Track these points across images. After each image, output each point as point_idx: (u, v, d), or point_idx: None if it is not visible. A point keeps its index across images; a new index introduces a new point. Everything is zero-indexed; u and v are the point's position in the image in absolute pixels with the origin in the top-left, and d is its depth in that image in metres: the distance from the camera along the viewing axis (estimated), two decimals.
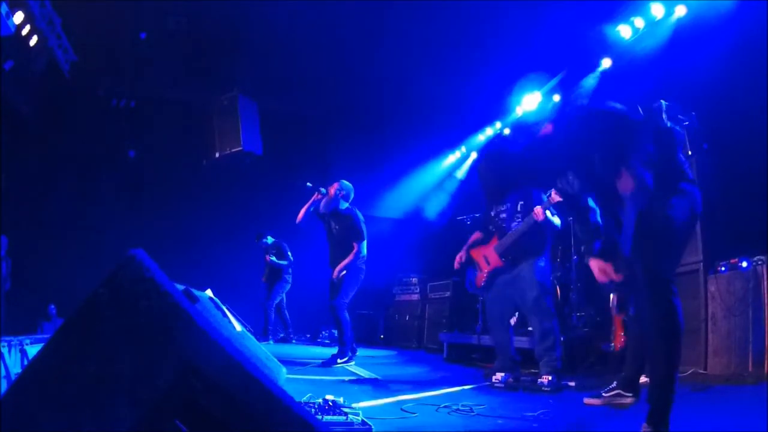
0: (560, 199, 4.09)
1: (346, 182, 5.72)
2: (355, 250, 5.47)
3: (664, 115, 4.53)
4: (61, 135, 9.06)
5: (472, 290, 4.87)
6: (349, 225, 5.54)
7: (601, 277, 2.66)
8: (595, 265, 2.68)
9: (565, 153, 2.61)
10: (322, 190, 5.65)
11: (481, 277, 4.55)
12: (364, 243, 5.56)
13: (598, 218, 2.74)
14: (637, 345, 3.26)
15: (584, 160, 2.53)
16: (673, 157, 2.51)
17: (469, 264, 4.72)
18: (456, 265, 4.80)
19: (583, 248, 2.79)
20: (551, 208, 4.29)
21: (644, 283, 2.34)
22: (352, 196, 5.72)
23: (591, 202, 2.77)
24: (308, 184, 5.72)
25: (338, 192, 5.60)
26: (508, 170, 3.23)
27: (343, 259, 5.46)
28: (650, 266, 2.31)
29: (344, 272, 5.44)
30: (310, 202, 5.72)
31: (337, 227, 5.63)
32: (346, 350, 5.36)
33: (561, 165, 2.74)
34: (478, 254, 4.62)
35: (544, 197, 4.28)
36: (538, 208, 4.20)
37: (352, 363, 5.37)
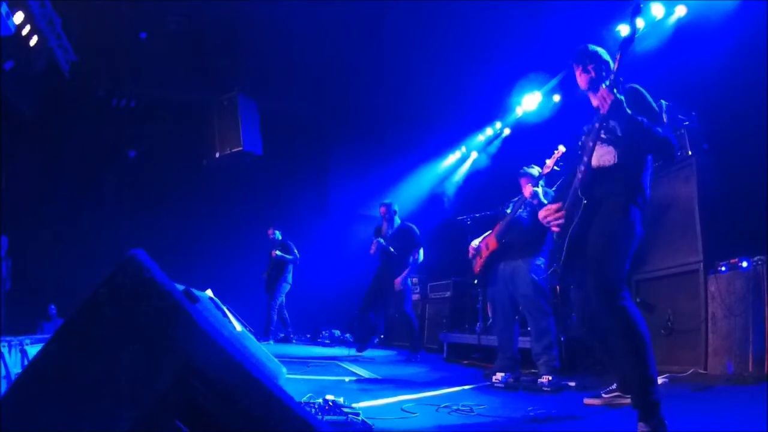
0: (556, 168, 4.16)
1: (389, 202, 6.59)
2: (415, 258, 6.26)
3: (664, 116, 4.55)
4: (61, 135, 9.06)
5: (472, 279, 4.99)
6: (408, 236, 6.31)
7: (543, 215, 2.77)
8: (542, 212, 2.80)
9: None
10: (383, 242, 6.33)
11: (479, 262, 4.62)
12: (422, 250, 6.34)
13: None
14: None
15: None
16: (647, 170, 2.59)
17: (477, 254, 4.78)
18: (470, 254, 4.94)
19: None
20: (546, 191, 4.30)
21: (594, 290, 2.40)
22: (398, 210, 6.57)
23: None
24: (380, 240, 6.37)
25: (392, 213, 6.44)
26: None
27: (398, 268, 6.17)
28: (597, 272, 2.37)
29: (403, 284, 6.15)
30: (380, 234, 6.47)
31: (396, 241, 6.32)
32: (421, 344, 6.45)
33: None
34: (483, 243, 4.74)
35: (536, 172, 4.34)
36: (527, 185, 4.23)
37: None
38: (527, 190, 4.26)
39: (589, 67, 2.78)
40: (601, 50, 2.84)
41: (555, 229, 2.72)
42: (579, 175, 2.65)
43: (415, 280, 8.79)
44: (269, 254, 8.66)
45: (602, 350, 2.95)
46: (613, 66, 2.52)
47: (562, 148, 4.10)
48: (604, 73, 2.75)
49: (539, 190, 4.26)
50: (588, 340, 3.12)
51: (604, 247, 2.42)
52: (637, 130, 2.40)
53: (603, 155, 2.61)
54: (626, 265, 2.44)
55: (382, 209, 6.47)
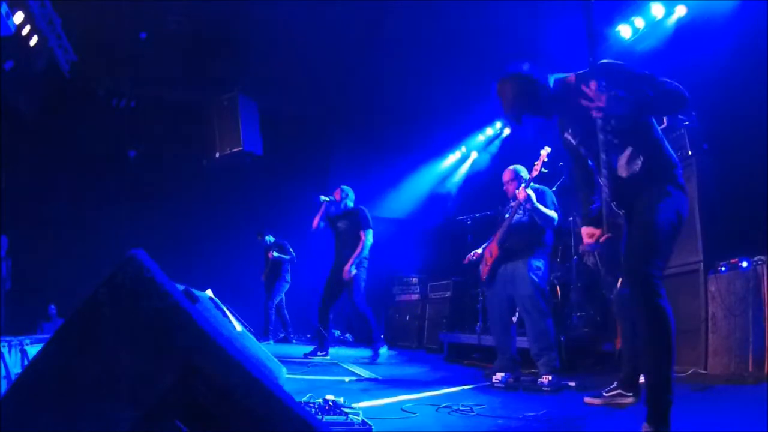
0: (543, 170, 4.18)
1: (347, 187, 6.19)
2: (362, 239, 5.79)
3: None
4: (61, 135, 9.06)
5: (480, 286, 5.06)
6: (356, 219, 5.92)
7: (588, 240, 2.69)
8: (584, 231, 2.72)
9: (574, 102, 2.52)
10: (329, 198, 6.07)
11: (485, 270, 4.66)
12: (371, 232, 5.88)
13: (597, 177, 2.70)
14: (629, 344, 3.27)
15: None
16: (666, 152, 2.49)
17: (481, 261, 4.81)
18: (466, 260, 4.96)
19: (581, 197, 2.81)
20: (547, 200, 4.32)
21: (630, 285, 2.34)
22: (354, 198, 6.18)
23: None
24: (321, 197, 6.06)
25: (344, 196, 6.08)
26: None
27: (351, 254, 5.75)
28: (636, 268, 2.30)
29: (354, 271, 5.73)
30: (322, 210, 6.08)
31: (344, 223, 5.98)
32: (381, 339, 5.85)
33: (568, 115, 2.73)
34: (487, 250, 4.76)
35: (526, 175, 4.36)
36: (520, 189, 4.25)
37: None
38: (521, 193, 4.26)
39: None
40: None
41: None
42: (606, 189, 2.53)
43: (415, 280, 8.81)
44: (265, 256, 8.68)
45: (628, 334, 2.95)
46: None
47: (547, 149, 4.13)
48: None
49: (531, 193, 4.27)
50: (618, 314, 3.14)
51: (644, 240, 2.32)
52: (643, 103, 2.25)
53: (628, 161, 2.46)
54: (668, 258, 2.37)
55: (337, 193, 6.13)
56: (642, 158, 2.43)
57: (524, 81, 2.67)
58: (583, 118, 2.52)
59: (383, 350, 5.76)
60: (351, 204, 6.14)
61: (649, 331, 2.27)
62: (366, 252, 5.86)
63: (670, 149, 2.52)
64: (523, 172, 4.64)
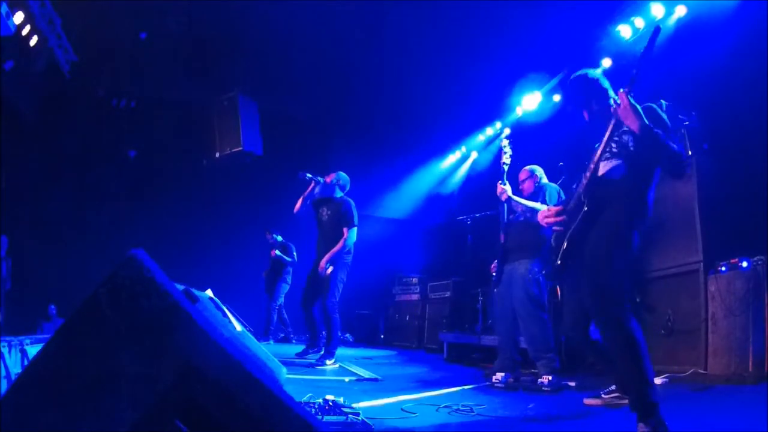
0: (529, 177, 4.19)
1: (343, 174, 5.66)
2: (344, 236, 5.27)
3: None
4: (61, 135, 9.06)
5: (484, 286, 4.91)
6: (341, 211, 5.39)
7: (543, 219, 2.81)
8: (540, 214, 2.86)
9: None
10: (319, 179, 5.56)
11: (493, 268, 4.65)
12: (355, 230, 5.36)
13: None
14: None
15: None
16: (652, 188, 2.59)
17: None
18: (492, 269, 4.81)
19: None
20: (546, 196, 4.29)
21: (590, 295, 2.43)
22: (348, 188, 5.65)
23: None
24: (307, 174, 5.56)
25: (335, 181, 5.54)
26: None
27: (331, 249, 5.25)
28: (597, 283, 2.39)
29: (330, 268, 5.23)
30: (307, 191, 5.60)
31: (328, 213, 5.49)
32: (333, 351, 5.26)
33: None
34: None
35: (541, 174, 4.33)
36: (498, 186, 4.15)
37: (337, 364, 5.29)
38: (498, 190, 4.15)
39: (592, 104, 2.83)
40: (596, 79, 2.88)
41: (556, 229, 2.74)
42: (583, 181, 2.66)
43: (415, 280, 8.81)
44: (269, 254, 8.67)
45: (594, 353, 2.99)
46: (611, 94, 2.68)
47: (508, 132, 4.08)
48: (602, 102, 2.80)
49: (507, 188, 4.14)
50: (579, 344, 3.14)
51: (601, 258, 2.44)
52: (652, 141, 2.40)
53: (612, 167, 2.60)
54: (624, 277, 2.46)
55: (329, 177, 5.56)
56: (626, 171, 2.56)
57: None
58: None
59: (329, 363, 5.13)
60: (340, 193, 5.55)
61: (612, 340, 2.36)
62: (347, 249, 5.35)
63: (652, 199, 2.59)
64: (538, 171, 4.61)
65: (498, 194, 4.18)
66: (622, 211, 2.50)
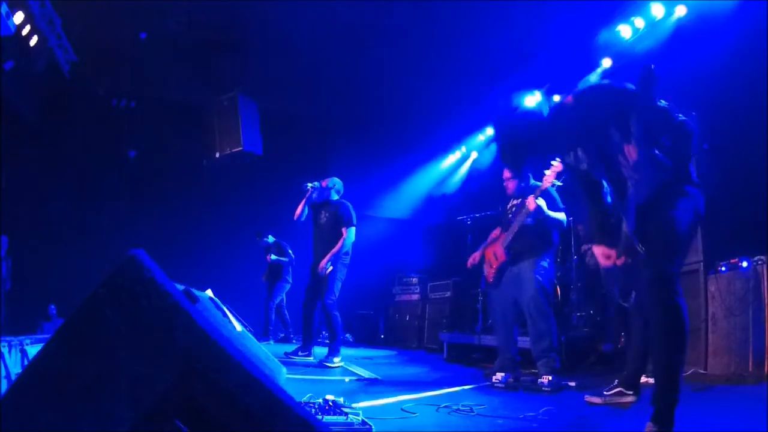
0: (555, 182, 4.17)
1: (337, 179, 5.79)
2: (343, 236, 5.39)
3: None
4: (61, 135, 9.06)
5: (485, 288, 4.94)
6: (338, 213, 5.51)
7: (605, 262, 2.60)
8: (599, 251, 2.62)
9: (579, 126, 2.54)
10: (315, 183, 5.70)
11: (490, 272, 4.64)
12: (353, 230, 5.47)
13: (609, 198, 2.67)
14: (638, 343, 3.26)
15: (596, 134, 2.49)
16: (684, 157, 2.50)
17: (483, 263, 4.76)
18: (468, 264, 4.86)
19: (593, 227, 2.72)
20: (555, 200, 4.31)
21: (649, 282, 2.31)
22: (342, 192, 5.78)
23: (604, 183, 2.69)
24: (308, 185, 5.73)
25: (331, 185, 5.68)
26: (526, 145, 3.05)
27: (330, 250, 5.35)
28: (656, 266, 2.28)
29: (330, 268, 5.33)
30: (306, 197, 5.73)
31: (326, 215, 5.61)
32: (338, 348, 5.33)
33: (573, 140, 2.68)
34: (490, 251, 4.71)
35: (537, 183, 4.35)
36: (529, 198, 4.22)
37: (342, 362, 5.35)
38: (531, 204, 4.21)
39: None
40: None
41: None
42: (631, 189, 2.49)
43: (415, 280, 8.81)
44: (265, 258, 8.68)
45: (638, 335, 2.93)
46: None
47: (558, 161, 4.01)
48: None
49: (542, 203, 4.23)
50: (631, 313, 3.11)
51: (665, 236, 2.31)
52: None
53: (650, 177, 2.45)
54: (686, 256, 2.38)
55: (324, 181, 5.70)
56: (662, 177, 2.43)
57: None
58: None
59: (336, 360, 5.23)
60: (336, 197, 5.68)
61: (665, 330, 2.25)
62: (346, 249, 5.45)
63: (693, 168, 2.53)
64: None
65: (530, 207, 4.20)
66: (674, 185, 2.41)
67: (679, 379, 2.19)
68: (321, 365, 5.10)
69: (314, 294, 5.49)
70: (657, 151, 2.38)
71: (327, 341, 5.57)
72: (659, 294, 2.27)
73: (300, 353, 5.60)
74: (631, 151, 2.34)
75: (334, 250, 5.34)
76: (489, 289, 4.82)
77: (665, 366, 2.25)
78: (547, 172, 4.16)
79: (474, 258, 4.82)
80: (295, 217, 5.76)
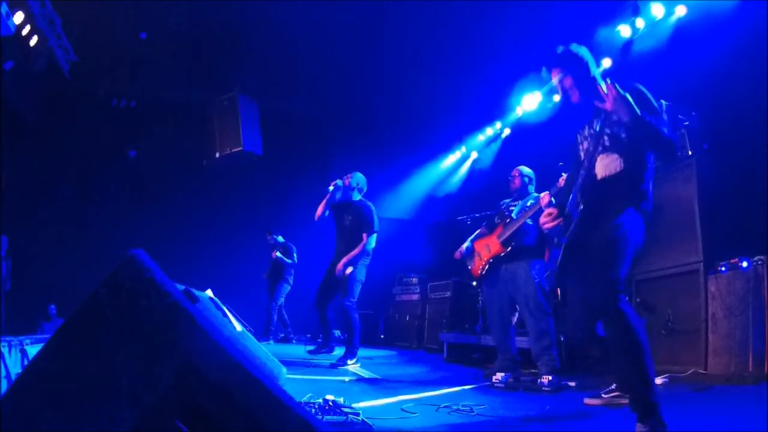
0: (519, 176, 4.19)
1: (360, 174, 5.65)
2: (363, 242, 5.31)
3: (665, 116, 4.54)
4: (61, 135, 9.07)
5: (472, 280, 4.93)
6: (362, 216, 5.42)
7: (544, 219, 2.74)
8: (547, 210, 2.76)
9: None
10: (338, 182, 5.57)
11: (479, 264, 4.60)
12: (374, 236, 5.41)
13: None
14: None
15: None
16: (650, 176, 2.57)
17: (470, 255, 4.76)
18: (456, 255, 4.86)
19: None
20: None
21: (599, 296, 2.38)
22: (365, 190, 5.67)
23: None
24: (330, 187, 5.57)
25: (354, 184, 5.54)
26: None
27: (351, 251, 5.30)
28: (606, 278, 2.35)
29: (350, 269, 5.26)
30: (327, 197, 5.58)
31: (349, 218, 5.51)
32: (355, 351, 5.27)
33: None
34: (480, 244, 4.70)
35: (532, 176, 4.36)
36: (544, 193, 4.21)
37: (358, 364, 5.34)
38: (544, 198, 4.21)
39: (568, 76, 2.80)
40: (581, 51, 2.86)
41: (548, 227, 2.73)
42: (579, 180, 2.64)
43: (415, 280, 8.80)
44: (270, 255, 8.67)
45: (602, 351, 2.96)
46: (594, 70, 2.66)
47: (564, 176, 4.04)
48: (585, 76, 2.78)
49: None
50: (583, 342, 3.13)
51: (610, 250, 2.40)
52: (644, 130, 2.38)
53: (608, 164, 2.57)
54: (627, 270, 2.44)
55: (347, 178, 5.55)
56: (623, 165, 2.53)
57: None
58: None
59: (351, 363, 5.14)
60: (359, 196, 5.56)
61: (623, 341, 2.30)
62: (366, 258, 5.41)
63: (651, 188, 2.58)
64: (526, 170, 4.69)
65: (549, 214, 4.21)
66: (624, 203, 2.47)
67: (646, 379, 2.21)
68: (334, 367, 5.01)
69: (327, 294, 5.42)
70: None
71: (344, 343, 5.51)
72: (606, 303, 2.33)
73: (322, 352, 5.65)
74: (612, 88, 2.38)
75: (353, 253, 5.27)
76: (483, 287, 4.81)
77: (628, 370, 2.30)
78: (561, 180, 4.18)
79: (460, 250, 4.81)
80: (316, 218, 5.61)
